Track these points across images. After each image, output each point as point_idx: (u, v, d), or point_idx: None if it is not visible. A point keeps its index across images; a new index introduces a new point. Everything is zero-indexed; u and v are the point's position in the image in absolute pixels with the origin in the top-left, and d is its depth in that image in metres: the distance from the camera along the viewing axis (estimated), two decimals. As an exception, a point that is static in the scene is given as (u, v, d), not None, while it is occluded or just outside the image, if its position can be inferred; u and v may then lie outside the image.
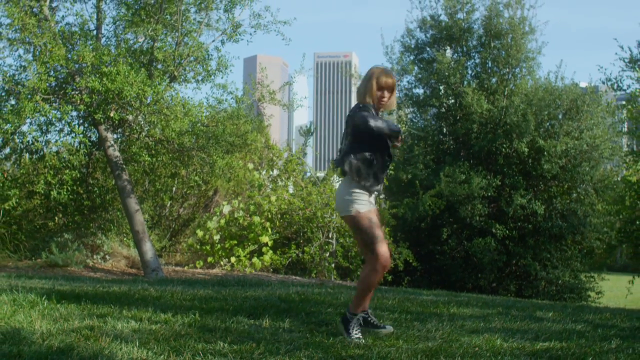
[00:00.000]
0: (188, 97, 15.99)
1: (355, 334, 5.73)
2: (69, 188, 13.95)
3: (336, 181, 17.68)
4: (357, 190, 5.92)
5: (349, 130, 6.01)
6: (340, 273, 17.05)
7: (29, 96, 12.66)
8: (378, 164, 5.96)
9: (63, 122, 14.04)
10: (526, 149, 21.02)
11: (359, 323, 5.88)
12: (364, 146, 5.96)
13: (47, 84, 13.02)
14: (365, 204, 5.92)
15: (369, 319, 6.16)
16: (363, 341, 5.59)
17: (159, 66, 14.13)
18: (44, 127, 14.05)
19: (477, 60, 23.00)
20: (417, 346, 5.41)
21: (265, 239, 16.08)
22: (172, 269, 15.70)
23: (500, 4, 22.40)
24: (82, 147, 14.43)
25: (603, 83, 19.90)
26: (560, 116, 22.13)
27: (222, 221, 16.41)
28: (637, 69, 17.16)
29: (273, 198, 16.84)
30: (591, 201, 22.29)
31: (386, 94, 6.08)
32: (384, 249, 5.87)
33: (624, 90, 18.34)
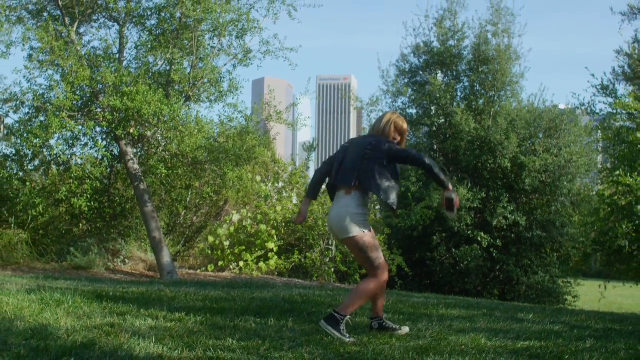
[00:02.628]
0: (202, 115, 16.03)
1: (345, 333, 5.69)
2: (89, 196, 13.97)
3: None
4: (359, 212, 5.88)
5: (376, 155, 5.92)
6: (339, 277, 17.03)
7: (57, 113, 12.72)
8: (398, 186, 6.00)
9: (87, 137, 14.12)
10: (509, 165, 21.05)
11: (346, 323, 5.85)
12: (388, 172, 5.94)
13: (73, 102, 13.10)
14: (367, 224, 5.92)
15: (385, 323, 6.14)
16: (353, 339, 5.57)
17: (176, 87, 14.18)
18: (70, 142, 14.11)
19: (466, 84, 23.01)
20: (409, 344, 5.41)
21: (271, 245, 16.09)
22: (186, 272, 15.69)
23: (489, 33, 22.46)
24: (104, 160, 14.47)
25: (577, 108, 20.01)
26: (540, 135, 22.15)
27: (232, 229, 16.42)
28: (609, 94, 17.21)
29: (278, 208, 16.85)
30: (569, 213, 22.31)
31: (399, 138, 6.19)
32: (384, 267, 5.91)
33: (597, 114, 18.40)
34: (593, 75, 17.66)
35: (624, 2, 18.78)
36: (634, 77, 17.85)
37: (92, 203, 14.48)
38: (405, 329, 6.07)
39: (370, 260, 5.83)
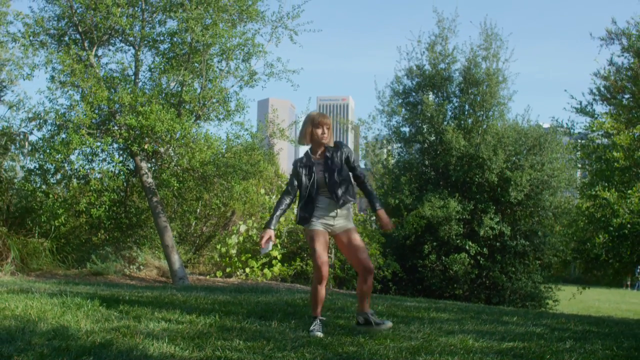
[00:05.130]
0: (211, 132, 16.09)
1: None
2: (107, 207, 13.99)
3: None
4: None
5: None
6: (338, 282, 17.02)
7: (77, 130, 12.75)
8: None
9: (105, 152, 14.13)
10: (496, 179, 21.09)
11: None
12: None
13: (92, 121, 13.13)
14: (312, 224, 6.17)
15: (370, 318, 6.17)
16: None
17: (187, 106, 14.20)
18: (89, 157, 14.12)
19: (457, 104, 23.05)
20: (402, 345, 5.43)
21: (274, 253, 16.09)
22: (196, 277, 15.69)
23: (479, 57, 22.54)
24: (121, 174, 14.49)
25: (557, 129, 20.11)
26: (525, 151, 22.20)
27: (241, 238, 16.45)
28: (587, 114, 17.24)
29: (282, 219, 16.86)
30: (550, 224, 22.39)
31: (323, 130, 6.70)
32: (316, 261, 6.05)
33: (575, 134, 18.47)
34: (572, 97, 17.71)
35: (602, 28, 18.83)
36: (611, 97, 17.85)
37: (110, 214, 14.50)
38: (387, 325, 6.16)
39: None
